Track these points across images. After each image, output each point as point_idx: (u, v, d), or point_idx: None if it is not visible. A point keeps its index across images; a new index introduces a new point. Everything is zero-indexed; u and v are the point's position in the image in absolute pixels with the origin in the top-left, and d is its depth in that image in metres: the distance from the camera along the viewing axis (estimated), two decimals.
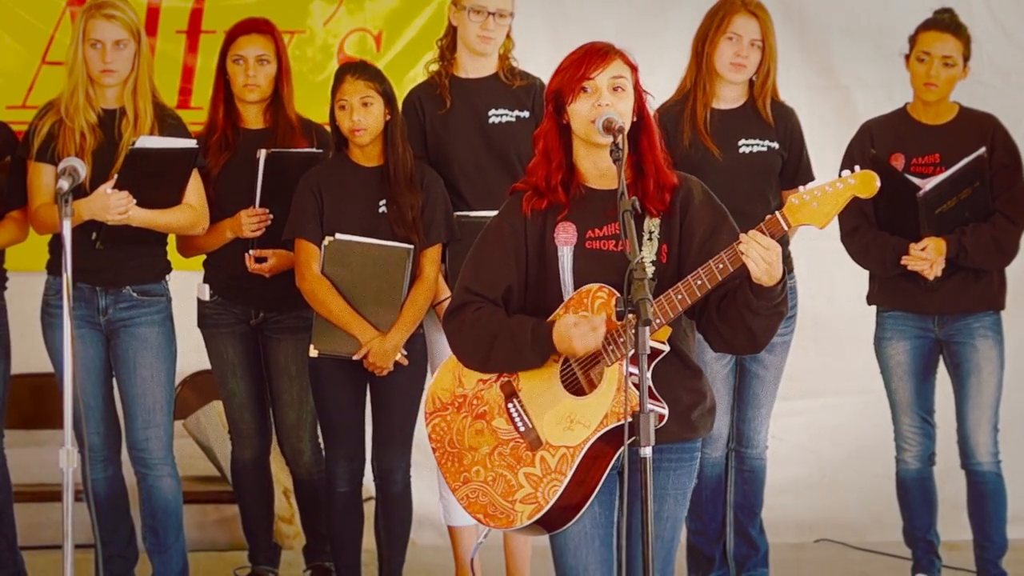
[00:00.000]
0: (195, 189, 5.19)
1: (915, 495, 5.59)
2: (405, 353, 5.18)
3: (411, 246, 5.14)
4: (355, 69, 5.24)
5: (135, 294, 5.21)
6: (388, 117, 5.18)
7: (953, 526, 5.77)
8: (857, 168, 3.71)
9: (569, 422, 3.73)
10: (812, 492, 6.65)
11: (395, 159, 5.19)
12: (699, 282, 3.65)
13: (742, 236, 3.63)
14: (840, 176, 3.68)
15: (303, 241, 5.20)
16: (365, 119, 5.14)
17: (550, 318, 3.77)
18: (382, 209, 5.19)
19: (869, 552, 6.41)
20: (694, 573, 5.59)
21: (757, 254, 3.60)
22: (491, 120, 5.37)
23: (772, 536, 5.68)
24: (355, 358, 5.15)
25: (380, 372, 5.17)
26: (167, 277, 5.32)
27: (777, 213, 3.65)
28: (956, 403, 5.50)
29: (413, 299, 5.18)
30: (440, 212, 5.22)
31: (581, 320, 3.68)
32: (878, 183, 3.66)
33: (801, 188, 3.69)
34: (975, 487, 5.51)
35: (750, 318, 3.68)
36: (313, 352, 5.21)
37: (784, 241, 5.38)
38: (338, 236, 5.15)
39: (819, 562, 6.41)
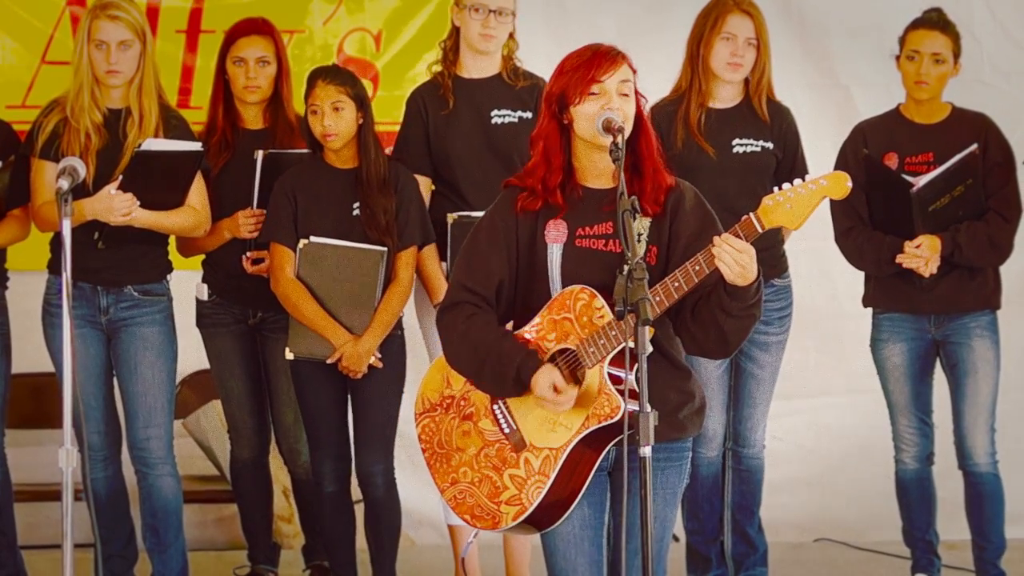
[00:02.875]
0: (198, 191, 5.20)
1: (914, 495, 5.59)
2: (379, 356, 5.18)
3: (385, 249, 5.15)
4: (326, 73, 5.24)
5: (136, 293, 5.21)
6: (361, 121, 5.18)
7: (952, 526, 5.77)
8: (830, 170, 3.72)
9: (552, 424, 3.74)
10: (811, 491, 6.65)
11: (368, 162, 5.19)
12: (676, 284, 3.66)
13: (715, 239, 3.63)
14: (812, 177, 3.69)
15: (277, 245, 5.22)
16: (336, 124, 5.15)
17: (531, 323, 3.78)
18: (356, 212, 5.19)
19: (868, 552, 6.41)
20: (693, 573, 5.59)
21: (730, 257, 3.60)
22: (494, 120, 5.38)
23: (771, 535, 5.68)
24: (328, 361, 5.16)
25: (354, 376, 5.18)
26: (168, 277, 5.32)
27: (751, 215, 3.67)
28: (953, 404, 5.50)
29: (387, 302, 5.18)
30: (415, 214, 5.22)
31: (551, 403, 3.70)
32: (849, 184, 3.68)
33: (776, 189, 3.70)
34: (973, 488, 5.50)
35: (723, 319, 3.68)
36: (288, 355, 5.23)
37: (779, 241, 5.40)
38: (312, 239, 5.16)
39: (818, 562, 6.41)
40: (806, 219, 3.69)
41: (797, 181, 3.69)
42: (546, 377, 3.70)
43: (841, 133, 5.68)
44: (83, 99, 5.09)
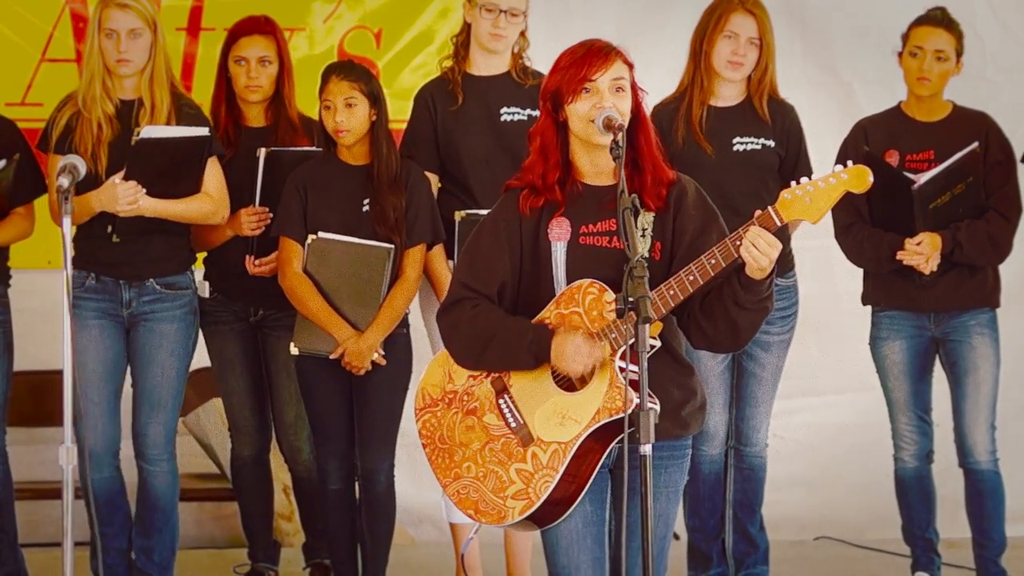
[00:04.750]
0: (213, 177, 5.19)
1: (913, 493, 5.59)
2: (382, 353, 5.18)
3: (392, 246, 5.15)
4: (340, 69, 5.24)
5: (159, 287, 5.21)
6: (374, 118, 5.18)
7: (953, 524, 5.77)
8: (850, 163, 3.71)
9: (561, 418, 3.73)
10: (812, 490, 6.65)
11: (379, 159, 5.19)
12: (691, 277, 3.66)
13: (750, 231, 3.62)
14: (833, 171, 3.68)
15: (286, 239, 5.22)
16: (349, 120, 5.15)
17: (539, 316, 3.77)
18: (365, 208, 5.19)
19: (869, 550, 6.41)
20: (694, 570, 5.59)
21: (758, 251, 3.60)
22: (502, 118, 5.38)
23: (772, 534, 5.67)
24: (331, 357, 5.16)
25: (357, 371, 5.17)
26: (192, 268, 5.31)
27: (769, 208, 3.66)
28: (953, 402, 5.50)
29: (392, 299, 5.18)
30: (425, 213, 5.22)
31: (583, 346, 3.67)
32: (871, 178, 3.67)
33: (794, 183, 3.69)
34: (973, 486, 5.50)
35: (736, 312, 3.68)
36: (293, 350, 5.23)
37: (785, 238, 5.40)
38: (320, 234, 5.17)
39: (819, 560, 6.41)
40: (825, 213, 3.68)
41: (816, 175, 3.68)
42: (568, 339, 3.67)
43: (843, 131, 5.68)
44: (95, 89, 5.08)
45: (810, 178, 3.69)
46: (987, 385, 5.43)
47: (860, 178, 3.67)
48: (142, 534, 5.30)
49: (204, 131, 5.14)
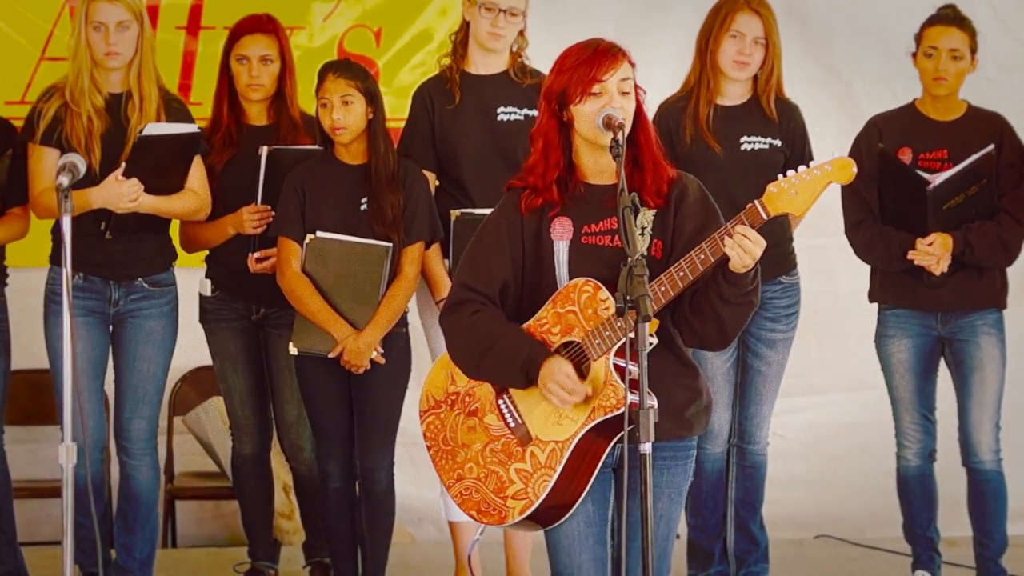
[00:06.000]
0: (197, 175, 5.20)
1: (915, 492, 5.59)
2: (381, 351, 5.18)
3: (390, 244, 5.15)
4: (337, 67, 5.24)
5: (146, 285, 5.22)
6: (371, 116, 5.18)
7: (953, 522, 5.77)
8: (835, 155, 3.72)
9: (558, 417, 3.73)
10: (812, 488, 6.65)
11: (377, 158, 5.19)
12: (681, 273, 3.66)
13: (736, 229, 3.63)
14: (818, 164, 3.68)
15: (284, 239, 5.22)
16: (345, 118, 5.15)
17: (536, 316, 3.77)
18: (364, 207, 5.19)
19: (869, 548, 6.41)
20: (694, 569, 5.59)
21: (741, 249, 3.61)
22: (499, 117, 5.37)
23: (772, 532, 5.67)
24: (330, 356, 5.16)
25: (356, 370, 5.17)
26: (173, 264, 5.32)
27: (756, 202, 3.67)
28: (958, 401, 5.49)
29: (390, 297, 5.18)
30: (423, 211, 5.22)
31: (562, 394, 3.67)
32: (854, 169, 3.69)
33: (780, 176, 3.69)
34: (977, 485, 5.50)
35: (721, 307, 3.68)
36: (292, 350, 5.23)
37: (788, 238, 5.40)
38: (319, 234, 5.17)
39: (819, 558, 6.40)
40: (811, 205, 3.69)
41: (802, 168, 3.69)
42: (557, 367, 3.69)
43: (844, 129, 5.68)
44: (83, 82, 5.07)
45: (796, 171, 3.69)
46: (993, 384, 5.43)
47: (844, 170, 3.68)
48: (124, 531, 5.30)
49: (196, 128, 5.16)
